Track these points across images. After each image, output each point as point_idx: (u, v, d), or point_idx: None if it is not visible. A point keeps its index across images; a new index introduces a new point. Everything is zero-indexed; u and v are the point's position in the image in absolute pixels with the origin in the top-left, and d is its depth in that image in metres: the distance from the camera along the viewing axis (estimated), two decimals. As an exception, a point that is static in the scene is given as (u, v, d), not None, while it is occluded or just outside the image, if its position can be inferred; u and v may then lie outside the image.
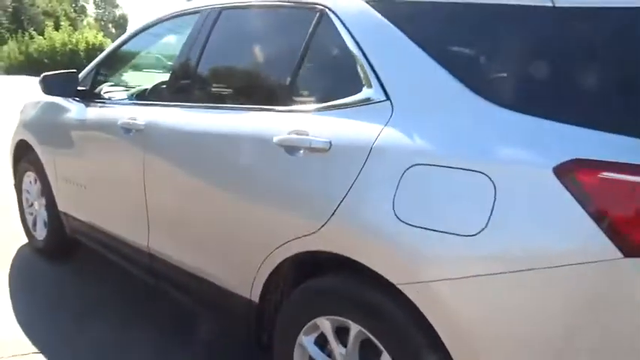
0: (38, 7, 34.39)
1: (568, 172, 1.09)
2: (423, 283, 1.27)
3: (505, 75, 1.33)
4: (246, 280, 1.76)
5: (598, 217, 1.06)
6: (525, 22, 1.30)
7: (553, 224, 1.11)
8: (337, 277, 1.53)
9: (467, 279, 1.20)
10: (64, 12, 38.40)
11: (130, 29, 2.86)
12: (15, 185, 3.51)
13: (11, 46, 24.22)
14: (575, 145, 1.12)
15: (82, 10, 53.31)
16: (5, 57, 24.15)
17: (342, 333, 1.53)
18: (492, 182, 1.18)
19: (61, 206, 2.93)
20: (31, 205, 3.32)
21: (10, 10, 30.66)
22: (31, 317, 2.51)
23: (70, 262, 3.20)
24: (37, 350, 2.23)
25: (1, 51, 24.79)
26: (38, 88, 2.70)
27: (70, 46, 23.72)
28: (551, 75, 1.23)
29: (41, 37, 24.43)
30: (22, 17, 31.00)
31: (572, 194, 1.08)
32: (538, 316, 1.14)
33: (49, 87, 2.62)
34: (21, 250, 3.35)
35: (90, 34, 25.07)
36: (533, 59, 1.28)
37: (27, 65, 22.82)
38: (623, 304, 1.06)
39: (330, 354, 1.58)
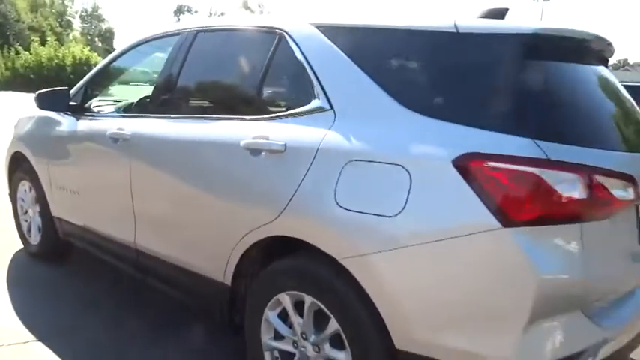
0: (24, 22, 34.50)
1: (462, 163, 1.40)
2: (357, 256, 1.57)
3: (419, 87, 1.64)
4: (219, 266, 2.04)
5: (484, 198, 1.37)
6: (435, 44, 1.62)
7: (453, 204, 1.42)
8: (294, 258, 1.82)
9: (389, 251, 1.50)
10: (50, 27, 38.55)
11: (118, 46, 3.15)
12: (10, 195, 3.75)
13: (-3, 62, 24.38)
14: (468, 142, 1.43)
15: (68, 25, 53.39)
16: (-8, 72, 24.29)
17: (299, 306, 1.82)
18: (409, 173, 1.49)
19: (55, 212, 3.19)
20: (26, 212, 3.56)
21: (-5, 25, 30.81)
22: (29, 311, 2.75)
23: (64, 264, 3.45)
24: (35, 339, 2.48)
25: (-11, 66, 24.91)
26: (28, 103, 2.95)
27: (56, 61, 23.90)
28: (452, 88, 1.55)
29: (27, 52, 24.57)
30: (8, 33, 31.09)
31: (466, 180, 1.39)
32: (445, 277, 1.44)
33: (43, 102, 2.90)
34: (17, 255, 3.59)
35: (76, 49, 25.28)
36: (440, 75, 1.60)
37: (14, 81, 22.95)
38: (503, 262, 1.36)
39: (290, 325, 1.87)
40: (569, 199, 1.34)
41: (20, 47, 25.25)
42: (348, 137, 1.66)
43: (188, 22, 2.49)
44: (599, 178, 1.38)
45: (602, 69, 1.86)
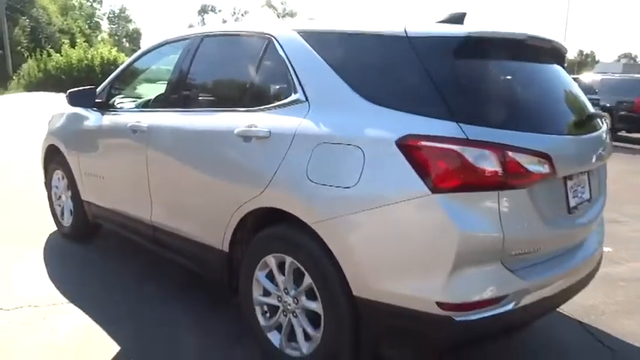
0: (55, 25, 35.78)
1: (402, 142, 1.74)
2: (323, 221, 1.92)
3: (374, 81, 1.98)
4: (219, 236, 2.42)
5: (418, 170, 1.70)
6: (388, 46, 1.95)
7: (395, 176, 1.76)
8: (278, 226, 2.18)
9: (347, 216, 1.85)
10: (79, 29, 39.86)
11: (144, 46, 3.54)
12: (45, 183, 4.23)
13: (30, 64, 25.40)
14: (407, 126, 1.76)
15: (97, 27, 55.00)
16: (25, 75, 25.32)
17: (282, 266, 2.18)
18: (363, 152, 1.83)
19: (84, 196, 3.64)
20: (59, 197, 4.03)
21: (28, 29, 32.04)
22: (62, 280, 3.20)
23: (92, 242, 3.90)
24: (67, 301, 2.92)
25: (21, 69, 25.99)
26: (59, 102, 3.39)
27: (85, 62, 24.79)
28: (398, 81, 1.89)
29: (58, 54, 25.55)
30: (40, 36, 32.36)
31: (405, 156, 1.73)
32: (388, 235, 1.78)
33: (73, 100, 3.33)
34: (51, 236, 4.06)
35: (104, 50, 26.15)
36: (390, 71, 1.94)
37: (45, 82, 23.91)
38: (432, 222, 1.70)
39: (275, 283, 2.23)
40: (485, 171, 1.67)
41: (51, 49, 26.26)
42: (318, 124, 2.01)
43: (197, 28, 2.87)
44: (512, 154, 1.69)
45: (541, 64, 2.17)
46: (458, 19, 2.14)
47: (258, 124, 2.22)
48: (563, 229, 1.99)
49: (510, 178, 1.70)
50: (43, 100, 17.48)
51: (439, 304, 1.69)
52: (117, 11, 63.67)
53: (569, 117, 2.10)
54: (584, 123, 2.12)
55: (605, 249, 4.08)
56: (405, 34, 1.90)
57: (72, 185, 3.76)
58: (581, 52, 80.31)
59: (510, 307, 1.77)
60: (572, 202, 2.05)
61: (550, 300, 1.95)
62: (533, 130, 1.82)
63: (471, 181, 1.67)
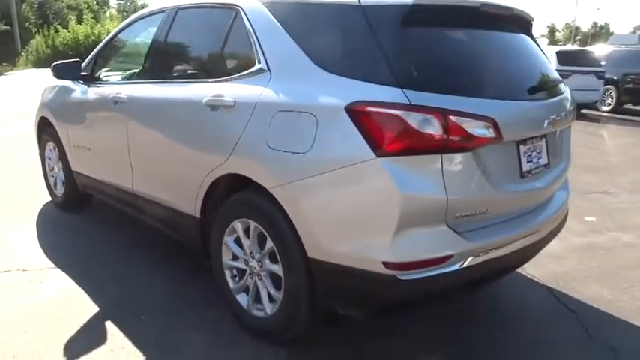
0: (62, 1, 35.74)
1: (350, 108, 1.79)
2: (279, 186, 1.99)
3: (329, 49, 2.02)
4: (192, 202, 2.51)
5: (364, 135, 1.76)
6: (342, 14, 1.99)
7: (344, 141, 1.81)
8: (243, 192, 2.26)
9: (301, 181, 1.92)
10: (87, 5, 39.76)
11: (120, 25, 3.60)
12: (40, 155, 4.35)
13: (39, 41, 25.50)
14: (355, 92, 1.81)
15: (105, 2, 54.72)
16: (33, 51, 25.45)
17: (248, 231, 2.27)
18: (316, 118, 1.89)
19: (74, 167, 3.75)
20: (52, 169, 4.15)
21: (36, 5, 32.04)
22: (52, 247, 3.34)
23: (86, 212, 4.02)
24: (54, 266, 3.05)
25: (30, 45, 26.10)
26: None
27: (92, 38, 24.85)
28: (350, 49, 1.93)
29: (66, 30, 25.60)
30: (48, 12, 32.37)
31: (352, 122, 1.78)
32: (338, 198, 1.85)
33: (58, 72, 3.40)
34: (45, 206, 4.20)
35: (111, 26, 26.10)
36: (342, 39, 1.98)
37: (53, 58, 23.78)
38: (377, 184, 1.76)
39: (242, 247, 2.32)
40: (427, 135, 1.72)
41: (59, 26, 26.31)
42: (277, 92, 2.07)
43: (173, 1, 2.91)
44: (454, 119, 1.74)
45: (500, 32, 2.20)
46: None
47: (225, 93, 2.28)
48: (514, 193, 2.04)
49: (453, 141, 1.75)
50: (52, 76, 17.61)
51: (384, 264, 1.77)
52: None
53: (523, 83, 2.12)
54: (539, 89, 2.14)
55: (589, 219, 4.20)
56: (358, 3, 1.93)
57: (62, 156, 3.87)
58: (595, 24, 78.56)
59: (456, 267, 1.84)
60: (526, 167, 2.09)
61: (502, 261, 2.01)
62: (479, 95, 1.85)
63: (414, 145, 1.72)
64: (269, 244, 2.14)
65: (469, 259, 1.87)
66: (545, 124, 2.09)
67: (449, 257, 1.82)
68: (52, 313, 2.53)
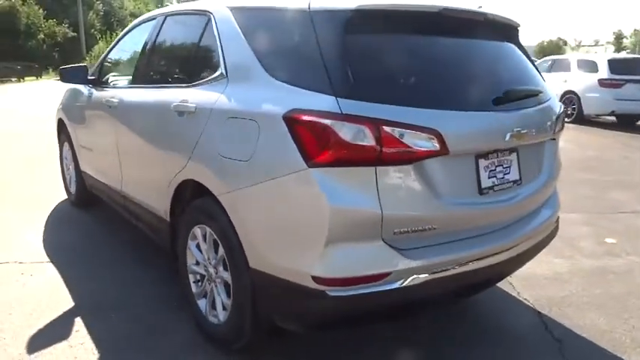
0: (126, 9, 37.69)
1: (286, 116, 1.74)
2: (225, 194, 1.97)
3: (277, 56, 1.97)
4: (163, 205, 2.54)
5: (297, 144, 1.70)
6: (291, 20, 1.94)
7: (281, 150, 1.76)
8: (201, 198, 2.26)
9: (242, 189, 1.89)
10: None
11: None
12: (59, 154, 4.57)
13: (101, 46, 27.05)
14: (294, 100, 1.76)
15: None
16: (96, 55, 27.01)
17: (206, 237, 2.26)
18: (259, 126, 1.85)
19: (82, 167, 3.90)
20: (68, 168, 4.35)
21: (101, 13, 33.97)
22: (54, 243, 3.49)
23: (93, 210, 4.18)
24: (49, 260, 3.18)
25: (93, 50, 27.71)
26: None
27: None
28: (295, 56, 1.88)
29: (127, 36, 26.94)
30: (112, 20, 34.27)
31: (288, 131, 1.73)
32: (273, 209, 1.81)
33: (64, 77, 3.56)
34: (61, 203, 4.41)
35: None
36: (289, 45, 1.93)
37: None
38: (308, 196, 1.69)
39: (203, 254, 2.32)
40: (359, 146, 1.63)
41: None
42: (230, 99, 2.05)
43: (165, 8, 2.98)
44: (389, 129, 1.64)
45: (471, 38, 2.07)
46: None
47: (190, 99, 2.29)
48: (470, 210, 1.91)
49: (388, 154, 1.66)
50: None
51: (314, 278, 1.70)
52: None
53: (484, 93, 1.97)
54: (503, 99, 1.99)
55: (609, 240, 3.89)
56: (307, 9, 1.88)
57: (74, 156, 4.04)
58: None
59: (395, 285, 1.74)
60: (487, 183, 1.95)
61: (458, 280, 1.88)
62: (424, 105, 1.74)
63: (345, 157, 1.65)
64: (221, 251, 2.12)
65: (411, 278, 1.76)
66: (507, 137, 1.94)
67: (385, 275, 1.73)
68: (29, 306, 2.62)
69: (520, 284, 3.05)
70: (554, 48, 71.44)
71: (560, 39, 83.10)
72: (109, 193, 3.39)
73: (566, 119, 10.82)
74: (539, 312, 2.74)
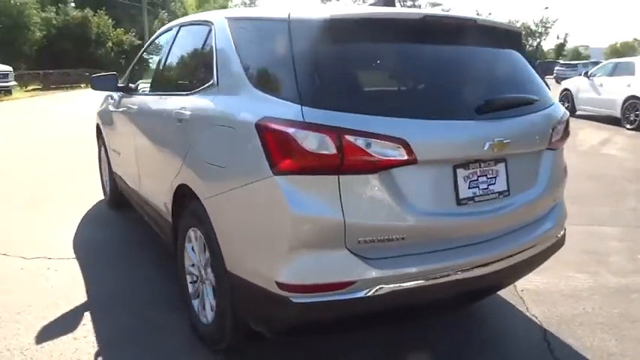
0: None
1: (257, 124, 1.78)
2: (207, 198, 2.05)
3: (257, 65, 2.02)
4: (166, 207, 2.66)
5: (265, 152, 1.74)
6: (272, 31, 1.98)
7: (252, 157, 1.81)
8: (193, 201, 2.34)
9: (220, 194, 1.96)
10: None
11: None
12: (98, 157, 4.88)
13: (164, 53, 28.37)
14: (266, 108, 1.80)
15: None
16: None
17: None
18: (236, 134, 1.91)
19: (114, 169, 4.14)
20: (104, 170, 4.62)
21: (166, 22, 35.58)
22: (84, 241, 3.73)
23: (126, 211, 4.40)
24: (75, 257, 3.41)
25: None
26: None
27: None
28: (274, 65, 1.92)
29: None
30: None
31: (259, 138, 1.78)
32: (244, 215, 1.86)
33: (95, 85, 3.79)
34: (98, 204, 4.69)
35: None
36: (268, 54, 1.97)
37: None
38: (273, 203, 1.73)
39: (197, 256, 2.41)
40: (320, 154, 1.65)
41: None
42: (217, 107, 2.13)
43: (181, 19, 3.13)
44: (351, 138, 1.64)
45: (458, 45, 2.03)
46: (389, 1, 2.08)
47: (187, 106, 2.40)
48: (447, 221, 1.86)
49: (350, 162, 1.66)
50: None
51: (278, 284, 1.73)
52: (248, 2, 67.69)
53: (463, 101, 1.91)
54: (486, 108, 1.92)
55: (642, 257, 3.62)
56: (287, 19, 1.92)
57: (107, 159, 4.30)
58: None
59: (360, 294, 1.74)
60: (467, 193, 1.90)
61: (430, 291, 1.84)
62: (392, 114, 1.73)
63: (307, 165, 1.66)
64: (207, 254, 2.20)
65: (376, 288, 1.75)
66: (486, 147, 1.88)
67: (350, 283, 1.73)
68: (47, 300, 2.82)
69: (531, 299, 2.93)
70: (627, 49, 67.28)
71: (636, 40, 78.29)
72: (132, 194, 3.58)
73: (628, 126, 10.39)
74: (545, 329, 2.61)
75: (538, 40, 66.61)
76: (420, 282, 1.81)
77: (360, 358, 2.34)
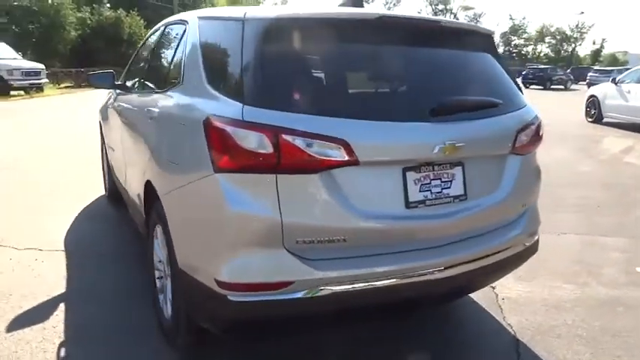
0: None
1: (204, 122, 1.79)
2: (163, 195, 2.07)
3: (213, 64, 2.03)
4: (141, 203, 2.70)
5: (209, 150, 1.75)
6: (231, 29, 1.98)
7: (199, 154, 1.81)
8: (157, 198, 2.37)
9: (173, 191, 1.98)
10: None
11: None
12: (101, 153, 4.99)
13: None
14: (213, 107, 1.80)
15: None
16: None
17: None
18: (187, 130, 1.93)
19: (110, 164, 4.24)
20: (104, 165, 4.73)
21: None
22: (78, 233, 3.82)
23: (120, 205, 4.49)
24: (64, 249, 3.49)
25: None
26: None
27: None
28: (226, 64, 1.92)
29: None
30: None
31: (205, 135, 1.78)
32: (190, 212, 1.87)
33: (92, 81, 3.88)
34: (99, 198, 4.80)
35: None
36: (222, 54, 1.98)
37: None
38: (215, 201, 1.73)
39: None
40: (257, 153, 1.64)
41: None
42: (176, 105, 2.16)
43: (167, 19, 3.18)
44: (288, 137, 1.63)
45: (418, 47, 1.99)
46: (357, 1, 2.07)
47: (157, 104, 2.43)
48: (392, 224, 1.82)
49: (288, 162, 1.65)
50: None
51: (217, 282, 1.73)
52: (279, 2, 68.28)
53: (416, 103, 1.87)
54: (439, 110, 1.87)
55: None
56: (242, 18, 1.92)
57: (106, 154, 4.40)
58: None
59: (300, 295, 1.72)
60: (417, 196, 1.86)
61: (377, 294, 1.81)
62: (334, 114, 1.71)
63: (245, 163, 1.66)
64: (165, 249, 2.22)
65: (317, 289, 1.73)
66: (436, 150, 1.83)
67: (288, 284, 1.71)
68: (28, 290, 2.90)
69: (510, 307, 2.85)
70: (668, 55, 64.72)
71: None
72: (121, 190, 3.65)
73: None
74: (518, 340, 2.53)
75: (573, 45, 64.94)
76: (365, 285, 1.78)
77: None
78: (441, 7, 63.66)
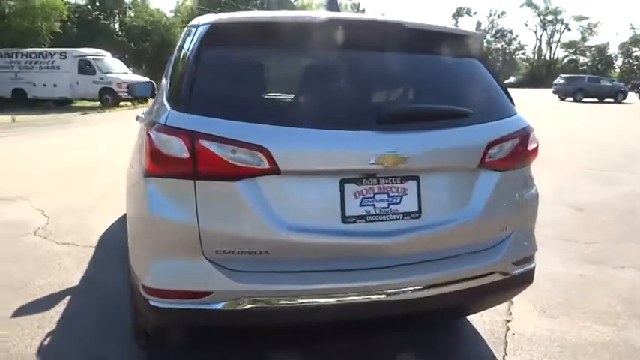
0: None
1: (152, 130, 1.79)
2: (125, 198, 2.13)
3: (171, 76, 2.05)
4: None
5: (146, 154, 1.76)
6: (188, 34, 2.00)
7: (141, 158, 1.85)
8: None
9: (129, 189, 2.02)
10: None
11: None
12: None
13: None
14: (158, 115, 1.82)
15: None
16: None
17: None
18: (148, 137, 1.96)
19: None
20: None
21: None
22: (113, 231, 4.08)
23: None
24: (96, 246, 3.74)
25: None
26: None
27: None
28: (178, 75, 1.92)
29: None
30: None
31: (149, 141, 1.80)
32: (130, 212, 1.89)
33: (131, 91, 4.14)
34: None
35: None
36: (175, 60, 1.99)
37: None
38: (143, 205, 1.73)
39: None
40: (174, 158, 1.61)
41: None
42: (150, 112, 2.22)
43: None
44: (206, 143, 1.58)
45: (376, 51, 1.86)
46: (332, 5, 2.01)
47: (147, 111, 2.53)
48: (324, 239, 1.69)
49: (205, 168, 1.60)
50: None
51: (142, 286, 1.73)
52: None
53: (353, 111, 1.71)
54: (395, 118, 1.70)
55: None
56: (197, 24, 1.94)
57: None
58: None
59: (219, 306, 1.66)
60: (357, 211, 1.71)
61: (306, 312, 1.70)
62: (258, 121, 1.63)
63: (163, 168, 1.65)
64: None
65: (238, 301, 1.66)
66: (372, 161, 1.67)
67: (206, 293, 1.66)
68: (46, 281, 3.14)
69: (517, 345, 2.52)
70: None
71: None
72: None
73: None
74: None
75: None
76: (294, 301, 1.68)
77: None
78: (550, 17, 59.66)
